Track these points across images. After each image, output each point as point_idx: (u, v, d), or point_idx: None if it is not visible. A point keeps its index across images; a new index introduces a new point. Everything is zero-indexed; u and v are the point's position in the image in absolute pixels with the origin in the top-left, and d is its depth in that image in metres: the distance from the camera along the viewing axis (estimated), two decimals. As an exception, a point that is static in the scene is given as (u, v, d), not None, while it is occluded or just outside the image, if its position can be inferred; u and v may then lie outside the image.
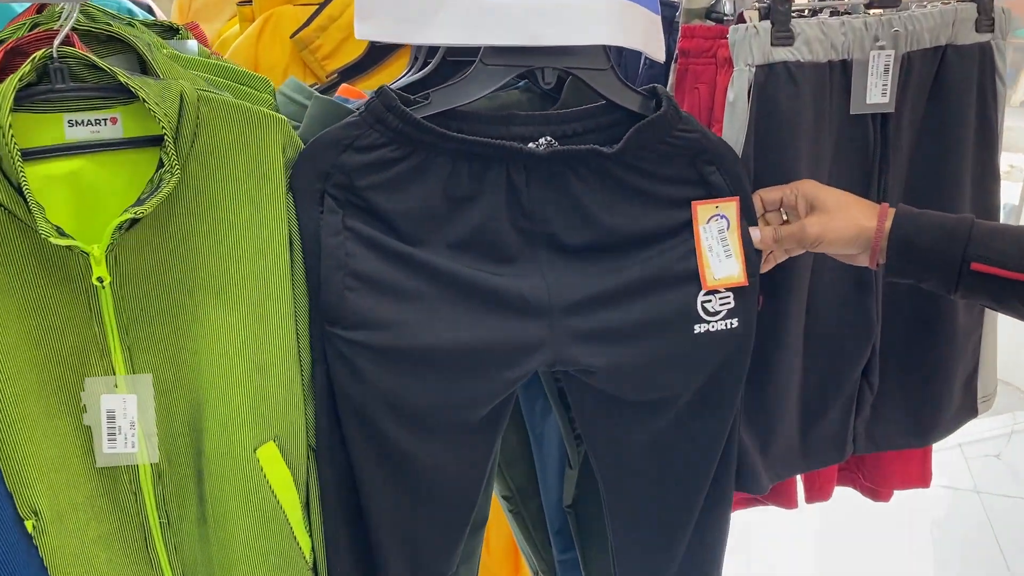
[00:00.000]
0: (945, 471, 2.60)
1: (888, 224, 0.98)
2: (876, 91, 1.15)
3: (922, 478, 1.42)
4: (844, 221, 0.99)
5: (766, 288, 1.08)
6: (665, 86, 1.08)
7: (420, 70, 1.03)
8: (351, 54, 1.45)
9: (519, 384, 0.97)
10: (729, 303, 1.00)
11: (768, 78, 1.05)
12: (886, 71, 1.14)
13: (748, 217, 1.01)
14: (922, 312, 1.24)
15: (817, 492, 1.37)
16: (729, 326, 1.01)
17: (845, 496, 1.41)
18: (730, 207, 0.99)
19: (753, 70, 1.04)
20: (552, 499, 1.29)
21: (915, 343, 1.26)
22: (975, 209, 1.22)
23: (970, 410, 1.36)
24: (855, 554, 2.23)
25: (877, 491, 1.41)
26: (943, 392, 1.29)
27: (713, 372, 1.03)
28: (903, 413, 1.29)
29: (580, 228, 0.95)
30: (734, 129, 1.06)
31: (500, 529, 1.55)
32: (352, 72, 1.45)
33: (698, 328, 1.00)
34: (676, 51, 1.10)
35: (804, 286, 1.14)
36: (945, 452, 2.60)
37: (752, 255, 1.00)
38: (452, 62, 1.00)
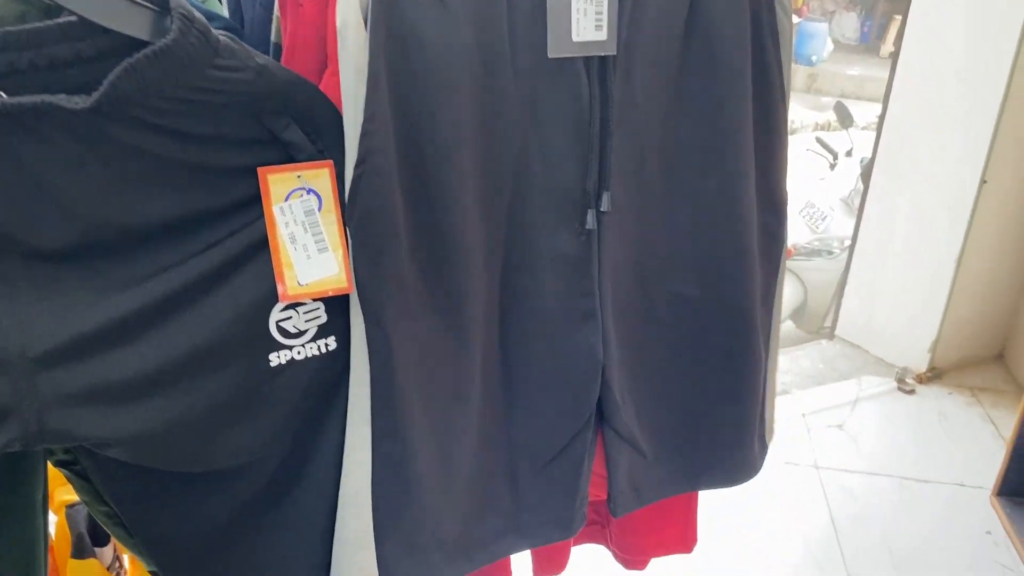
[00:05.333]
0: (787, 445, 2.48)
1: None
2: (587, 23, 0.82)
3: (683, 541, 1.13)
4: None
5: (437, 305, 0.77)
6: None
7: None
8: None
9: None
10: (319, 316, 0.70)
11: None
12: (599, -5, 0.82)
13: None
14: (695, 334, 0.94)
15: (546, 565, 1.09)
16: (323, 349, 0.70)
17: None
18: (320, 176, 0.68)
19: (371, -18, 0.68)
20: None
21: (683, 373, 0.96)
22: (758, 184, 0.91)
23: (762, 447, 1.06)
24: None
25: (629, 559, 1.12)
26: (724, 427, 0.99)
27: (307, 418, 0.73)
28: (675, 457, 0.99)
29: (54, 221, 0.62)
30: (348, 70, 0.71)
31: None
32: None
33: (276, 358, 0.69)
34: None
35: (482, 306, 0.82)
36: (788, 425, 2.49)
37: (366, 243, 0.70)
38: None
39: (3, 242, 0.61)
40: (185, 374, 0.66)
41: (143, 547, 0.82)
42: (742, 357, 0.95)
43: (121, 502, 0.73)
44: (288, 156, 0.68)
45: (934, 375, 2.78)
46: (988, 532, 2.11)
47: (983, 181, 2.49)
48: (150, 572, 1.07)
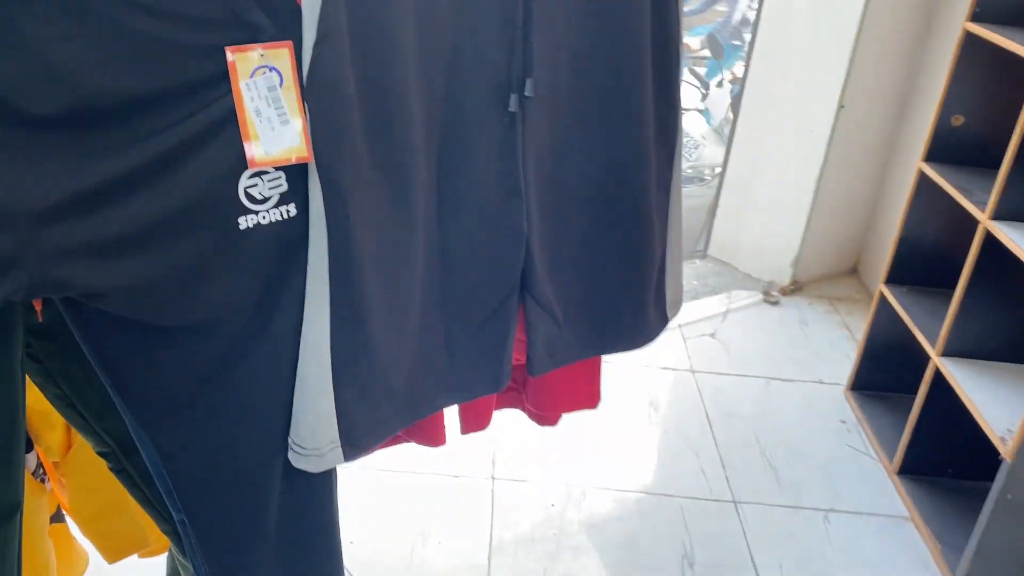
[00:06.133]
0: (665, 353, 2.69)
1: None
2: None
3: (589, 399, 1.27)
4: None
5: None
6: None
7: None
8: None
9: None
10: (281, 184, 0.78)
11: None
12: None
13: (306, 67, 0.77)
14: (601, 213, 1.06)
15: (473, 421, 1.20)
16: (285, 215, 0.78)
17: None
18: (281, 55, 0.76)
19: None
20: (150, 450, 1.05)
21: (591, 248, 1.07)
22: (656, 82, 1.03)
23: (660, 318, 1.20)
24: (572, 434, 2.21)
25: (543, 415, 1.26)
26: (625, 297, 1.12)
27: (271, 279, 0.81)
28: (583, 323, 1.11)
29: (48, 89, 0.67)
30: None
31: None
32: None
33: (244, 222, 0.77)
34: None
35: (424, 178, 0.91)
36: (666, 336, 2.68)
37: (324, 115, 0.77)
38: None
39: (3, 108, 0.66)
40: (167, 232, 0.73)
41: (106, 422, 0.87)
42: (639, 233, 1.08)
43: (103, 357, 0.79)
44: (252, 37, 0.74)
45: (796, 288, 3.02)
46: (842, 421, 2.36)
47: (840, 106, 2.70)
48: (98, 453, 1.12)
